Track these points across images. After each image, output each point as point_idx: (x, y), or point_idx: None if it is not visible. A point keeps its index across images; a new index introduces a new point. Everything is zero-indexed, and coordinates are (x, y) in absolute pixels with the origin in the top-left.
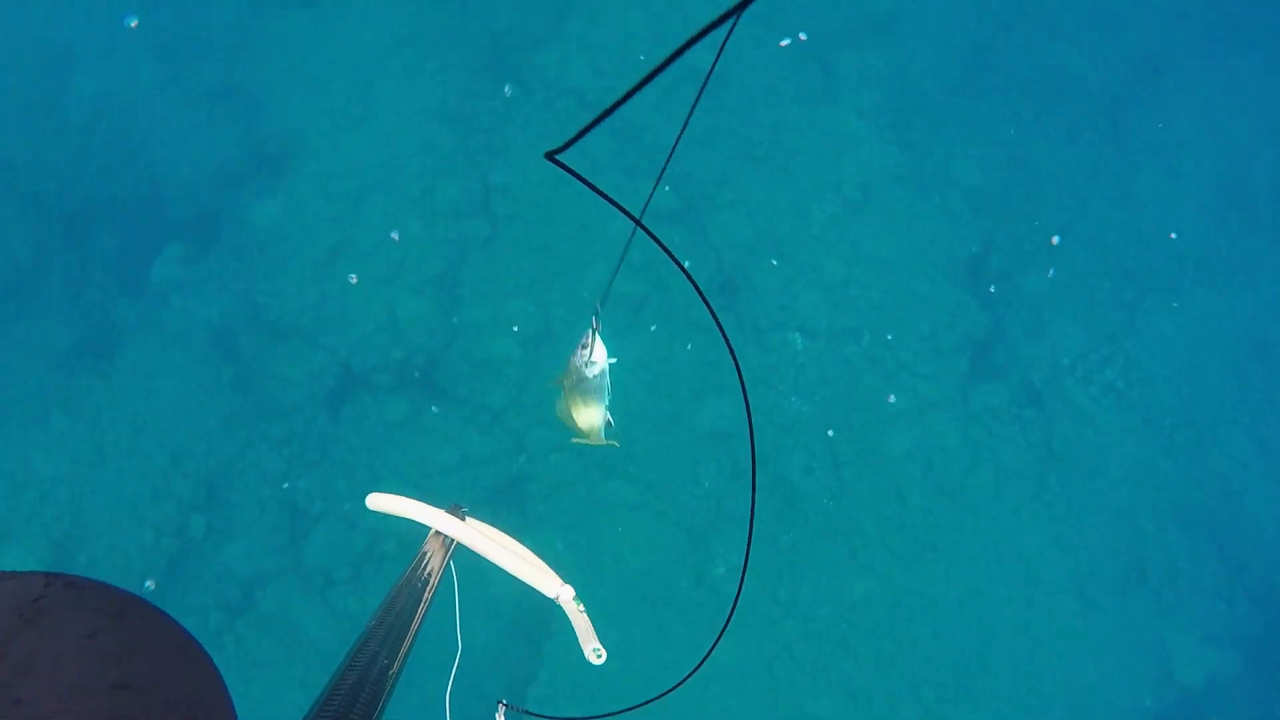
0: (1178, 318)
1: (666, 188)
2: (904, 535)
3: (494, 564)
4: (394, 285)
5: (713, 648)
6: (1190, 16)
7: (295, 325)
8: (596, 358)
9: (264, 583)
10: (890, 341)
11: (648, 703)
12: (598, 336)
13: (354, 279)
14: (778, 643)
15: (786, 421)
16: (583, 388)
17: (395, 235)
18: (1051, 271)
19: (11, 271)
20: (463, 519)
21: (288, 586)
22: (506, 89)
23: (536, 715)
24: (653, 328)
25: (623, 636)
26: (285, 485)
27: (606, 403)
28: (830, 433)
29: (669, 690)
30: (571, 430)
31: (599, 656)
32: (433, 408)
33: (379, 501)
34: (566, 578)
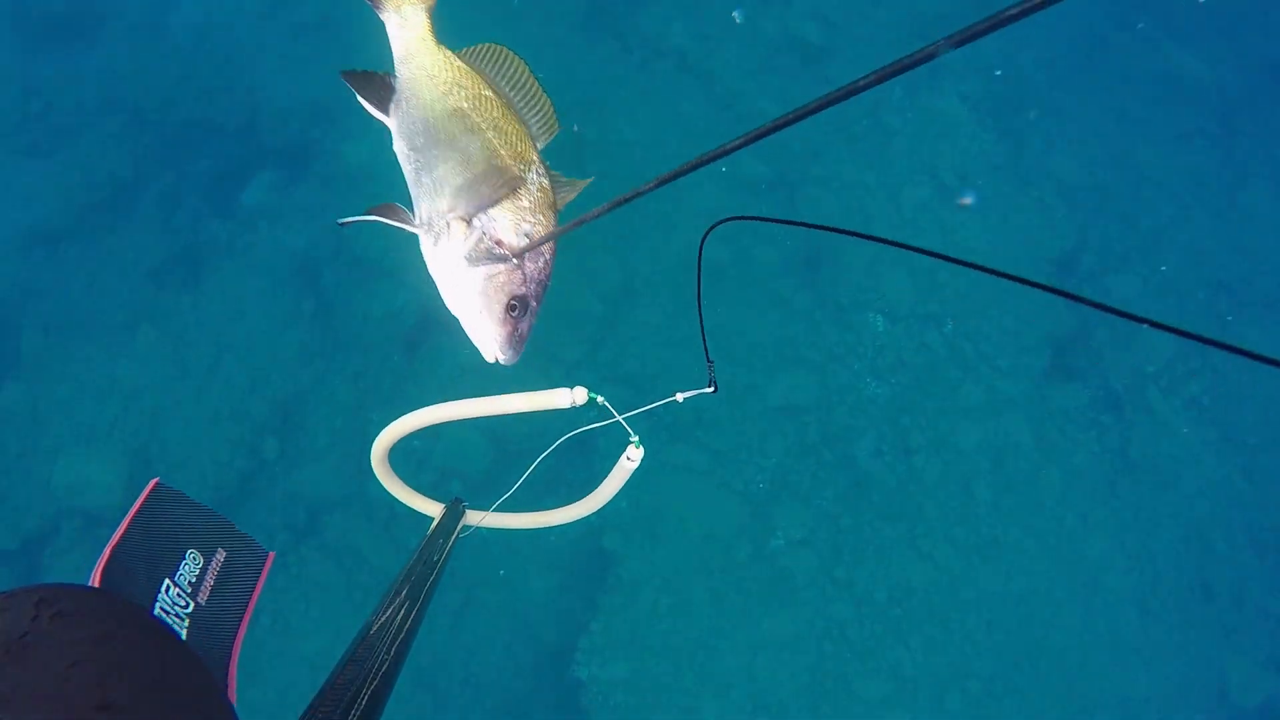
0: (1274, 337)
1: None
2: (967, 528)
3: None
4: None
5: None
6: None
7: (379, 263)
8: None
9: (330, 509)
10: (973, 332)
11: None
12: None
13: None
14: (830, 621)
15: (860, 402)
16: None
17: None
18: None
19: (109, 184)
20: (462, 513)
21: (353, 516)
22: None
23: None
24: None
25: (678, 599)
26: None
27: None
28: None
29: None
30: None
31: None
32: None
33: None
34: (628, 537)
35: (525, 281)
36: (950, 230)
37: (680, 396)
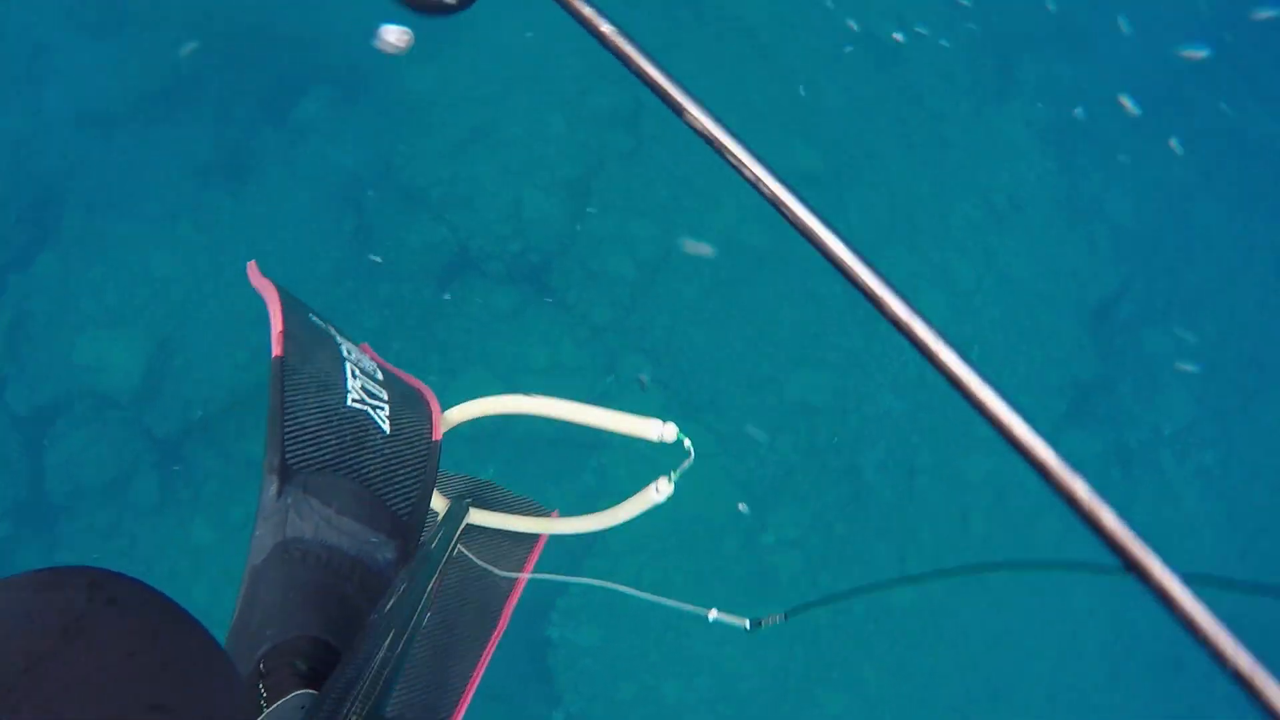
0: None
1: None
2: (958, 558)
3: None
4: (527, 180)
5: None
6: None
7: (424, 194)
8: None
9: None
10: (998, 363)
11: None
12: None
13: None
14: (805, 626)
15: (876, 414)
16: None
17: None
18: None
19: (169, 76)
20: (466, 510)
21: None
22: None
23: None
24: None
25: (661, 575)
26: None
27: None
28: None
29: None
30: None
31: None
32: (545, 299)
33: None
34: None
35: None
36: (994, 254)
37: (712, 615)
